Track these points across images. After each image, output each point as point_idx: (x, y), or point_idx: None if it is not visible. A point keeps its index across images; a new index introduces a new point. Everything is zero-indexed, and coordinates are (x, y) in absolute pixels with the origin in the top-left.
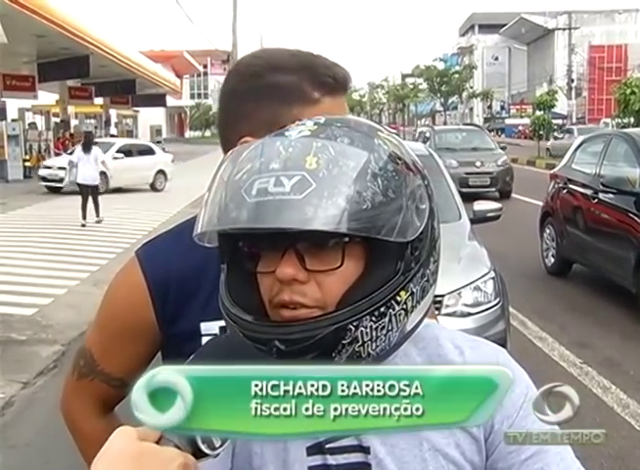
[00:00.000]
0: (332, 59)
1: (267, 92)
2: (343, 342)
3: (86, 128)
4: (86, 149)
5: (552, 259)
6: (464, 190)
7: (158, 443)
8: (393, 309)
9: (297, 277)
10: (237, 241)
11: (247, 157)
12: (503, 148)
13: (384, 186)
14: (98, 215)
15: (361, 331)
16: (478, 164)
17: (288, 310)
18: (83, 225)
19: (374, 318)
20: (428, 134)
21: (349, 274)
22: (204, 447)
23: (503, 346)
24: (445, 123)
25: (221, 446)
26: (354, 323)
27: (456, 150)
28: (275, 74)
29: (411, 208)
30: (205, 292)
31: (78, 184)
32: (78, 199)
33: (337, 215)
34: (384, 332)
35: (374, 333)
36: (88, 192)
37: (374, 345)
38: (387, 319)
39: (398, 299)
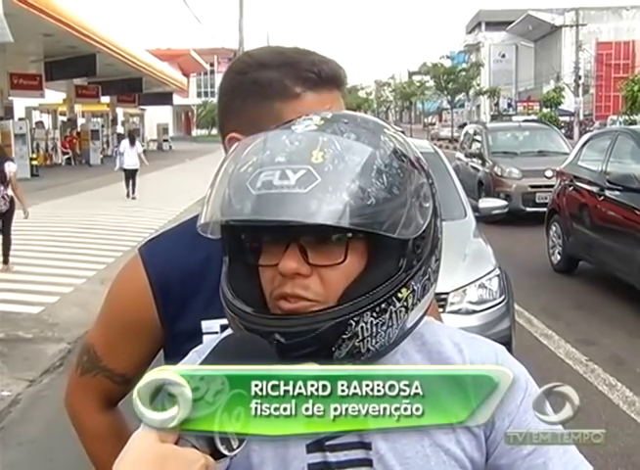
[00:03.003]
0: (325, 55)
1: (251, 89)
2: (344, 336)
3: (93, 127)
4: (132, 142)
5: (558, 257)
6: (529, 209)
7: (176, 444)
8: (394, 306)
9: (300, 271)
10: (239, 233)
11: (252, 150)
12: None
13: (388, 183)
14: (134, 193)
15: (362, 326)
16: (548, 173)
17: (288, 303)
18: (127, 195)
19: (375, 314)
20: (477, 134)
21: (352, 269)
22: (222, 449)
23: (508, 344)
24: (452, 121)
25: (239, 446)
26: (355, 318)
27: (517, 154)
28: (259, 71)
29: (415, 205)
30: (208, 290)
31: (124, 169)
32: (82, 198)
33: (340, 210)
34: (384, 328)
35: (374, 329)
36: (130, 175)
37: (374, 341)
38: (387, 316)
39: (400, 296)
